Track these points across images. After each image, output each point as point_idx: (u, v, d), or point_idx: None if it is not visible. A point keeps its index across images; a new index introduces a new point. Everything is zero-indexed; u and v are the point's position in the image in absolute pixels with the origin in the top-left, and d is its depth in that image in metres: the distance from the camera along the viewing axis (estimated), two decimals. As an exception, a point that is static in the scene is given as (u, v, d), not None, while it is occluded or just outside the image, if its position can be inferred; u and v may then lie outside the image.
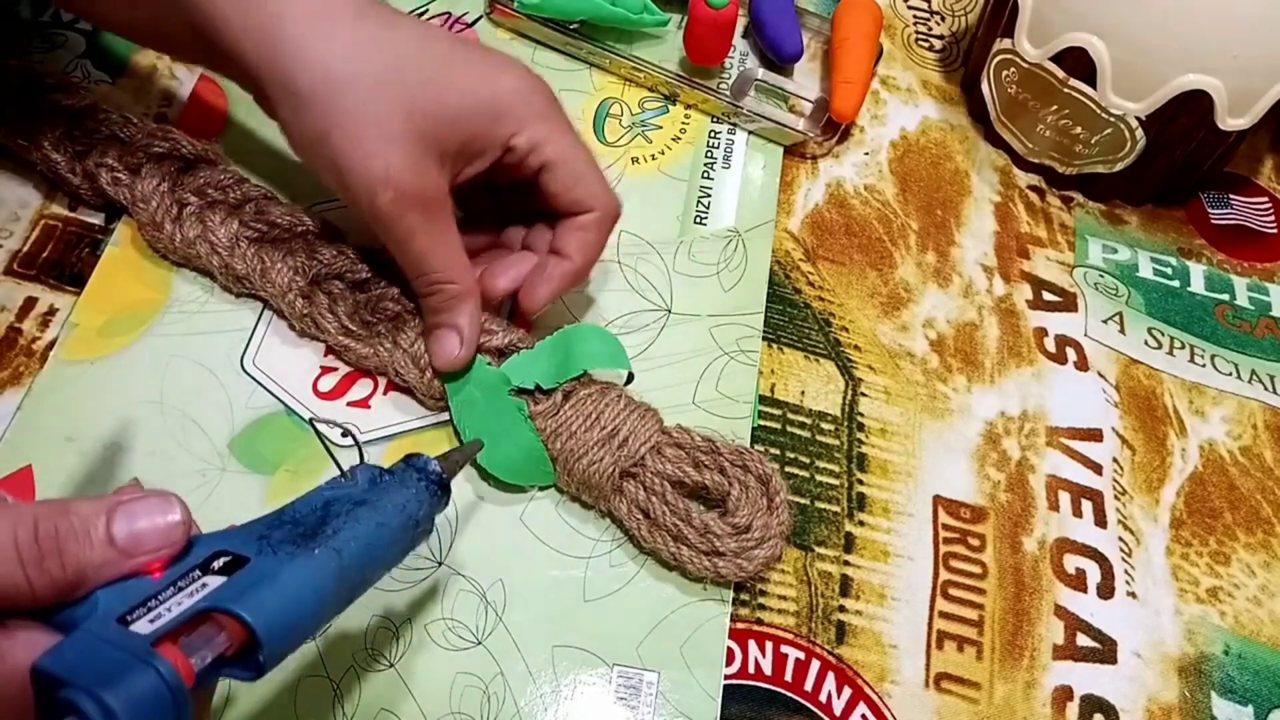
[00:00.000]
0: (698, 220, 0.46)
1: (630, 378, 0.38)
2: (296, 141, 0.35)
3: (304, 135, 0.34)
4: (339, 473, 0.29)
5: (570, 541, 0.37)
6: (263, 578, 0.24)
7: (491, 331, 0.38)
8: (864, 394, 0.42)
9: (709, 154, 0.48)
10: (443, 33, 0.37)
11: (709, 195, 0.46)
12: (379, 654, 0.34)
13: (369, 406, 0.39)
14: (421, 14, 0.51)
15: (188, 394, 0.38)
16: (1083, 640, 0.37)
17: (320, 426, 0.32)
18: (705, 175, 0.47)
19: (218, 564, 0.24)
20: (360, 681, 0.33)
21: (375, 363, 0.38)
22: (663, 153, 0.48)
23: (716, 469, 0.36)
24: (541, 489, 0.38)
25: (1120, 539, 0.39)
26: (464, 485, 0.38)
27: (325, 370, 0.39)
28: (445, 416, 0.38)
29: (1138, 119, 0.44)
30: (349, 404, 0.39)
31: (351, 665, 0.34)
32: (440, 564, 0.36)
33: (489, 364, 0.37)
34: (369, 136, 0.33)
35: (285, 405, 0.39)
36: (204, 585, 0.24)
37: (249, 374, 0.39)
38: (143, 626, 0.22)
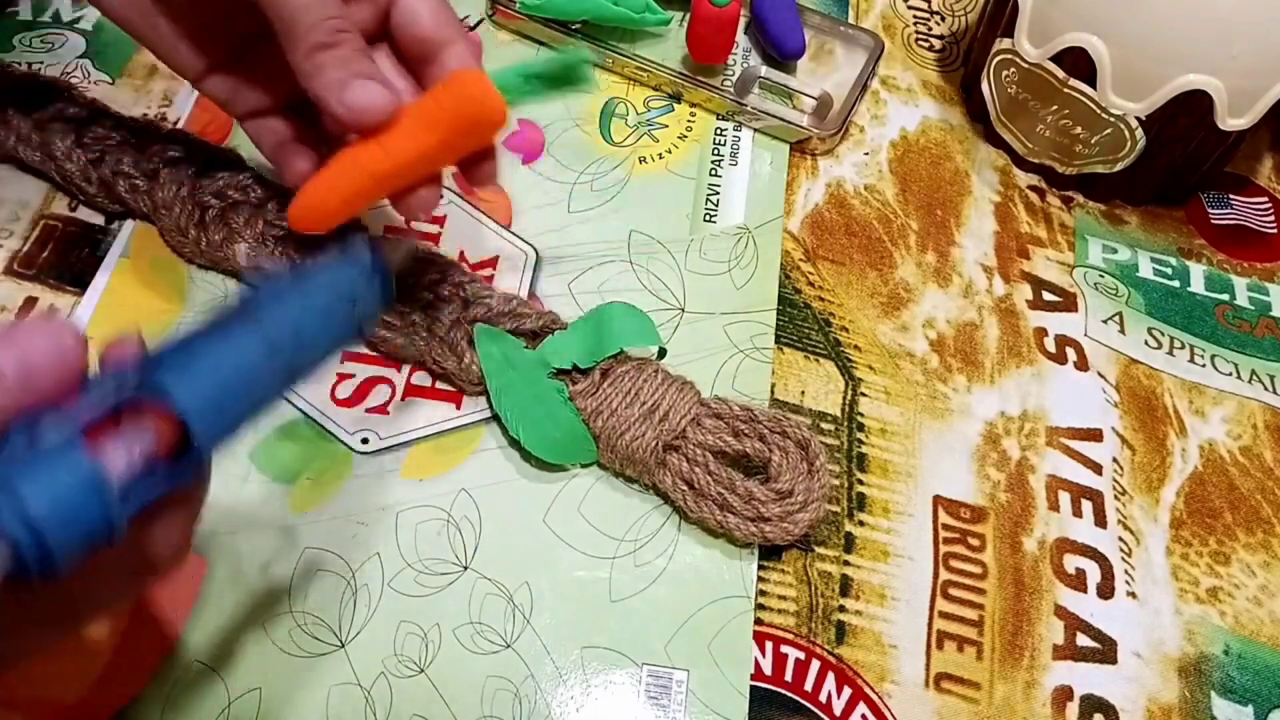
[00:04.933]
0: (707, 218, 0.46)
1: (662, 353, 0.39)
2: None
3: None
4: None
5: (594, 542, 0.37)
6: (179, 364, 0.22)
7: (525, 315, 0.38)
8: (864, 394, 0.42)
9: (716, 151, 0.48)
10: None
11: (718, 193, 0.46)
12: (408, 660, 0.34)
13: (387, 413, 0.39)
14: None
15: None
16: (1083, 640, 0.37)
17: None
18: (713, 173, 0.47)
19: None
20: (391, 688, 0.34)
21: (412, 352, 0.39)
22: (670, 151, 0.48)
23: (756, 436, 0.37)
24: (584, 465, 0.38)
25: (1120, 539, 0.39)
26: (486, 488, 0.38)
27: (341, 377, 0.39)
28: (464, 420, 0.39)
29: (1138, 119, 0.44)
30: (367, 410, 0.39)
31: (382, 672, 0.34)
32: (465, 568, 0.36)
33: (525, 348, 0.38)
34: None
35: (303, 413, 0.38)
36: (118, 389, 0.22)
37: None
38: (55, 435, 0.20)
